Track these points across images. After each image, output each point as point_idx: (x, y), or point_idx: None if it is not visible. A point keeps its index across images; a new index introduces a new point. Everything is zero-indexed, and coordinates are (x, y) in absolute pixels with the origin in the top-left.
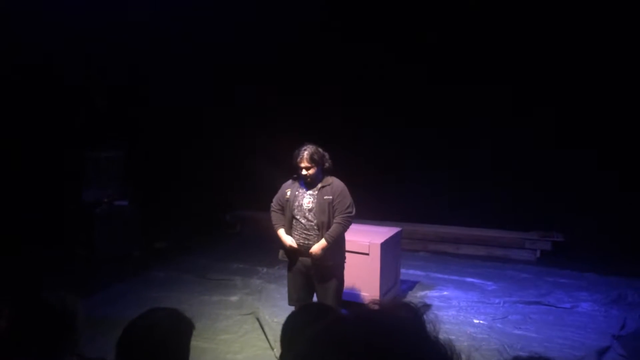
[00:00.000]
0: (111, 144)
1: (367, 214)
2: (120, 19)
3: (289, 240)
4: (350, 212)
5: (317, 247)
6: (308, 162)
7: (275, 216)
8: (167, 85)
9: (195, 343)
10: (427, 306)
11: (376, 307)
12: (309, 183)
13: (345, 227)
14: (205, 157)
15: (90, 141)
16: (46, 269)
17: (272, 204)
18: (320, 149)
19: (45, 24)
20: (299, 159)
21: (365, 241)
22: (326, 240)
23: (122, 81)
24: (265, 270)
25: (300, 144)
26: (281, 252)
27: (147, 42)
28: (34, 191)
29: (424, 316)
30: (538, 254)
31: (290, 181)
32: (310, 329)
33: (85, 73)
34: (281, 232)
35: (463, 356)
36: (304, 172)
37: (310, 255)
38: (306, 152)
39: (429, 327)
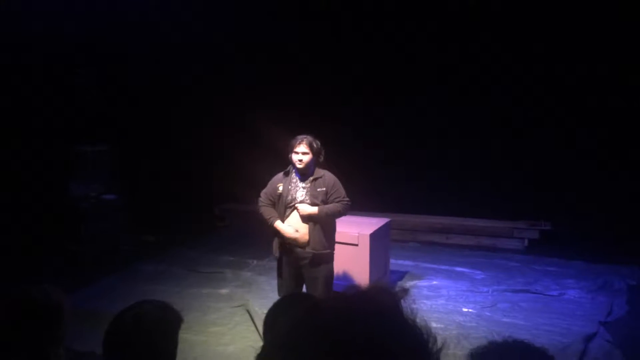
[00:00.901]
0: (98, 138)
1: (357, 205)
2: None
3: (286, 228)
4: (348, 201)
5: (308, 207)
6: (307, 148)
7: (266, 210)
8: (155, 77)
9: (186, 336)
10: (406, 291)
11: (354, 291)
12: (302, 173)
13: (341, 211)
14: (194, 150)
15: (77, 135)
16: (34, 263)
17: (260, 199)
18: (318, 142)
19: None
20: (297, 143)
21: (354, 232)
22: (319, 209)
23: (109, 73)
24: (255, 262)
25: (292, 137)
26: (274, 246)
27: (133, 33)
28: (21, 186)
29: (403, 301)
30: (526, 242)
31: (280, 175)
32: (286, 316)
33: (72, 66)
34: (279, 224)
35: (440, 340)
36: (299, 156)
37: (296, 208)
38: (307, 138)
39: (407, 311)
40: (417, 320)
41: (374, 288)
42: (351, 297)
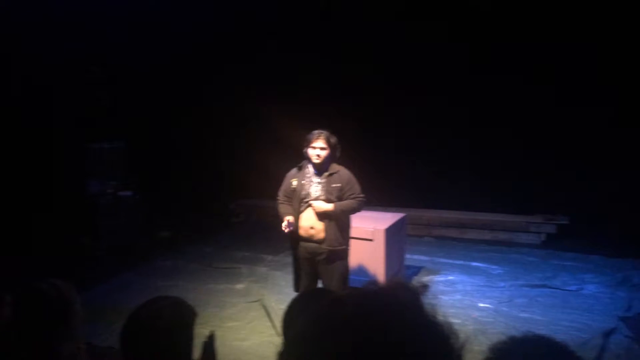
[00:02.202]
0: (115, 135)
1: (372, 200)
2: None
3: (285, 222)
4: (363, 197)
5: (323, 204)
6: (324, 143)
7: (282, 207)
8: (172, 73)
9: (202, 330)
10: (426, 287)
11: (374, 287)
12: (318, 168)
13: (356, 207)
14: (210, 146)
15: (94, 132)
16: (51, 259)
17: (278, 197)
18: (335, 137)
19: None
20: (314, 137)
21: (369, 227)
22: (334, 206)
23: (125, 71)
24: (270, 258)
25: (307, 132)
26: (290, 242)
27: (151, 29)
28: (39, 182)
29: (422, 297)
30: (543, 237)
31: (294, 170)
32: (307, 312)
33: (89, 64)
34: (287, 219)
35: (462, 336)
36: (317, 151)
37: (310, 205)
38: (324, 133)
39: (427, 307)
40: (438, 316)
41: (394, 284)
42: (371, 293)
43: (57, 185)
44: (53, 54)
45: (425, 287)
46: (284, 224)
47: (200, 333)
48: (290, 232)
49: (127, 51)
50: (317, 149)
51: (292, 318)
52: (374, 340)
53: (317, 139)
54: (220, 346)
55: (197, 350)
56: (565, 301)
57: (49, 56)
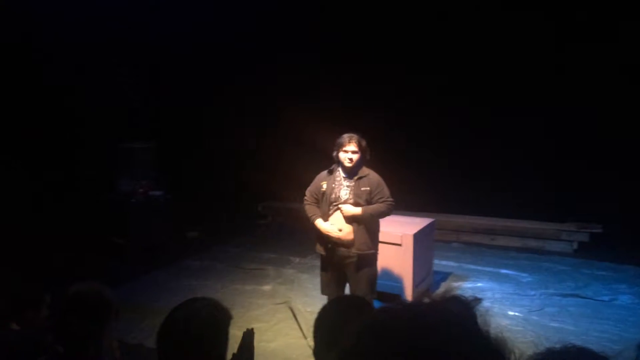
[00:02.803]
0: (146, 135)
1: (400, 205)
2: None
3: (328, 227)
4: (392, 201)
5: (351, 208)
6: (356, 146)
7: (310, 208)
8: (201, 74)
9: (230, 331)
10: (478, 300)
11: (427, 299)
12: (348, 172)
13: (385, 212)
14: (238, 148)
15: (126, 132)
16: (84, 258)
17: (305, 197)
18: (364, 140)
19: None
20: (348, 141)
21: (398, 232)
22: (363, 210)
23: (156, 70)
24: (297, 260)
25: (336, 136)
26: (317, 245)
27: (179, 30)
28: (72, 182)
29: (475, 310)
30: (575, 245)
31: (325, 173)
32: (357, 321)
33: (120, 67)
34: (319, 222)
35: (517, 351)
36: (349, 155)
37: (339, 208)
38: (356, 137)
39: (480, 321)
40: (491, 331)
41: (448, 296)
42: (425, 305)
43: (89, 185)
44: (84, 54)
45: (478, 300)
46: (332, 231)
47: (229, 334)
48: (317, 236)
49: (157, 52)
50: (350, 152)
51: (329, 324)
52: (429, 352)
53: (350, 142)
54: None
55: (231, 351)
56: (597, 311)
57: (81, 56)
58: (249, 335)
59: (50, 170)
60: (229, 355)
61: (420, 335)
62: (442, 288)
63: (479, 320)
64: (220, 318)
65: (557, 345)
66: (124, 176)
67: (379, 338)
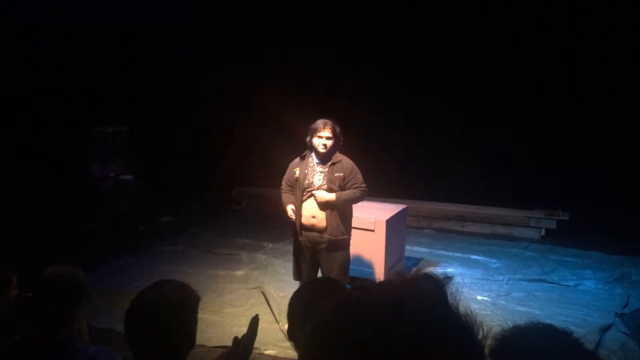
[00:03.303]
0: (117, 119)
1: (373, 191)
2: None
3: (289, 210)
4: (365, 187)
5: (325, 194)
6: (330, 132)
7: (285, 196)
8: (174, 57)
9: (202, 315)
10: (449, 278)
11: (399, 278)
12: (321, 157)
13: (358, 197)
14: (212, 133)
15: (97, 116)
16: (53, 242)
17: (282, 186)
18: (339, 126)
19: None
20: (321, 127)
21: (370, 218)
22: (336, 196)
23: (127, 53)
24: (270, 245)
25: (312, 121)
26: (292, 231)
27: (152, 11)
28: (41, 166)
29: (446, 287)
30: (543, 232)
31: (297, 160)
32: (329, 300)
33: (91, 50)
34: (288, 208)
35: (485, 328)
36: (323, 141)
37: (312, 194)
38: (330, 123)
39: (451, 298)
40: (461, 308)
41: (420, 274)
42: (398, 282)
43: (59, 169)
44: (57, 36)
45: (449, 278)
46: (289, 211)
47: (201, 318)
48: (292, 221)
49: (131, 34)
50: (323, 138)
51: (303, 305)
52: (400, 328)
53: (324, 128)
54: (219, 331)
55: (200, 335)
56: (562, 296)
57: (52, 39)
58: (255, 321)
59: (21, 154)
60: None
61: (393, 312)
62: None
63: (449, 297)
64: (189, 300)
65: (523, 323)
66: (96, 160)
67: (351, 314)
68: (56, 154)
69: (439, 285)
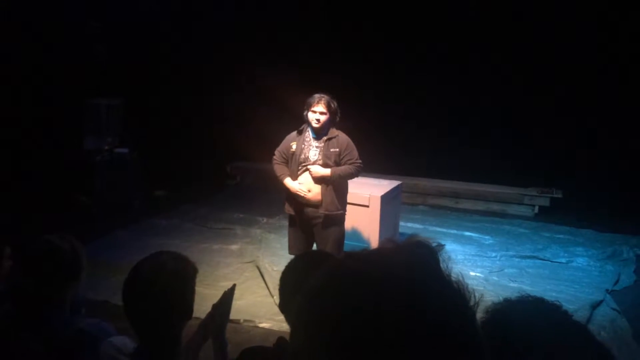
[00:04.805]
0: (112, 91)
1: (368, 166)
2: None
3: (296, 186)
4: (360, 163)
5: (320, 169)
6: (325, 107)
7: (279, 168)
8: (168, 31)
9: (197, 289)
10: (441, 245)
11: (392, 244)
12: (317, 132)
13: (353, 173)
14: (207, 107)
15: (91, 88)
16: (48, 215)
17: (274, 157)
18: (335, 102)
19: None
20: (315, 102)
21: (365, 193)
22: (332, 171)
23: (122, 26)
24: (265, 220)
25: (307, 95)
26: (286, 205)
27: None
28: (35, 139)
29: (438, 254)
30: (536, 209)
31: (294, 133)
32: (320, 268)
33: (84, 21)
34: (288, 181)
35: (477, 294)
36: (317, 115)
37: (308, 169)
38: (325, 98)
39: (443, 265)
40: (453, 275)
41: (412, 241)
42: (389, 250)
43: (53, 142)
44: (49, 7)
45: (441, 245)
46: (292, 185)
47: (196, 292)
48: (286, 195)
49: (126, 5)
50: (317, 113)
51: (295, 277)
52: (391, 295)
53: (318, 103)
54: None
55: (198, 308)
56: (554, 273)
57: (45, 9)
58: (230, 290)
59: (14, 127)
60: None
61: (387, 277)
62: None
63: (442, 264)
64: (186, 270)
65: (514, 296)
66: (90, 133)
67: (342, 280)
68: (49, 127)
69: (431, 251)
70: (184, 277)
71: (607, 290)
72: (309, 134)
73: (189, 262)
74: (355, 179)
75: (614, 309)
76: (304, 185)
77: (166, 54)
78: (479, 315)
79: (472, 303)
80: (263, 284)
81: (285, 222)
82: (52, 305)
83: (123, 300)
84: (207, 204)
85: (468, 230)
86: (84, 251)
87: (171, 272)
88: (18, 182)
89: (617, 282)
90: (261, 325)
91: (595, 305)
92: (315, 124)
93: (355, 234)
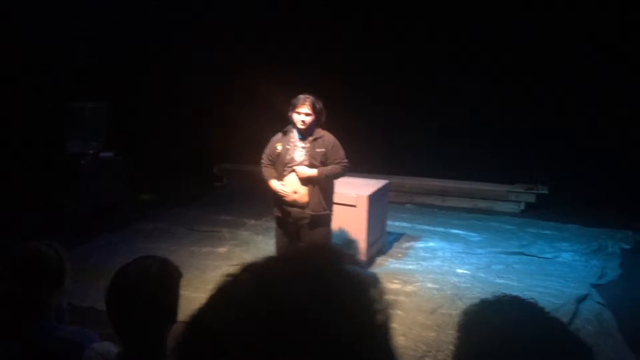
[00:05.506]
0: (96, 94)
1: (355, 166)
2: None
3: (279, 186)
4: (347, 163)
5: (306, 169)
6: (310, 109)
7: (266, 171)
8: (153, 33)
9: (184, 292)
10: (347, 250)
11: (293, 251)
12: (302, 133)
13: (340, 173)
14: (194, 109)
15: (75, 91)
16: (32, 220)
17: (262, 160)
18: (320, 102)
19: None
20: (300, 103)
21: (352, 193)
22: (318, 171)
23: (107, 28)
24: (252, 222)
25: (292, 95)
26: (274, 207)
27: None
28: (19, 143)
29: (340, 256)
30: (522, 206)
31: (279, 135)
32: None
33: (67, 24)
34: (273, 183)
35: (384, 288)
36: (302, 117)
37: (294, 170)
38: (310, 99)
39: (351, 270)
40: (361, 281)
41: (314, 247)
42: (290, 256)
43: (38, 145)
44: (33, 8)
45: (347, 250)
46: (276, 186)
47: (183, 295)
48: (273, 197)
49: (110, 8)
50: (302, 114)
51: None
52: (290, 304)
53: (303, 104)
54: None
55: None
56: (540, 268)
57: (29, 10)
58: None
59: None
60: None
61: (279, 288)
62: (395, 248)
63: (349, 269)
64: (171, 274)
65: (490, 297)
66: (74, 137)
67: (242, 291)
68: (33, 130)
69: (335, 256)
70: (168, 281)
71: (592, 284)
72: (294, 135)
73: (174, 266)
74: (342, 179)
75: (599, 303)
76: (290, 186)
77: (151, 55)
78: (458, 318)
79: (376, 296)
80: None
81: (273, 224)
82: (35, 313)
83: (106, 306)
84: (194, 207)
85: (455, 228)
86: (68, 258)
87: (155, 276)
88: (1, 186)
89: (602, 276)
90: None
91: (580, 300)
92: (300, 126)
93: (343, 234)
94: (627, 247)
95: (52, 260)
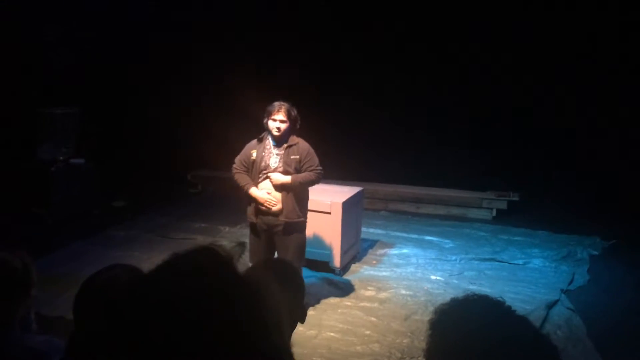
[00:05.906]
0: (67, 100)
1: (329, 173)
2: None
3: (265, 196)
4: (321, 170)
5: (280, 176)
6: (285, 116)
7: (241, 177)
8: (125, 37)
9: None
10: (240, 246)
11: (179, 252)
12: (277, 140)
13: (314, 180)
14: (167, 115)
15: (46, 97)
16: (1, 228)
17: (234, 166)
18: (295, 110)
19: None
20: (275, 110)
21: (326, 200)
22: (292, 178)
23: (78, 33)
24: (227, 229)
25: (268, 103)
26: (248, 213)
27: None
28: None
29: (229, 257)
30: (494, 213)
31: (254, 142)
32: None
33: (40, 27)
34: (253, 190)
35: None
36: (277, 124)
37: (268, 177)
38: (285, 106)
39: (239, 268)
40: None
41: (198, 248)
42: (174, 258)
43: (7, 152)
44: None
45: (240, 245)
46: (258, 193)
47: None
48: (248, 203)
49: (83, 13)
50: (277, 121)
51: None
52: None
53: (278, 111)
54: None
55: None
56: (512, 274)
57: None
58: None
59: None
60: None
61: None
62: (370, 255)
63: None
64: None
65: (460, 295)
66: (45, 143)
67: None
68: (2, 135)
69: (217, 256)
70: None
71: (562, 290)
72: (269, 142)
73: (142, 273)
74: (317, 186)
75: (568, 308)
76: (266, 191)
77: (124, 60)
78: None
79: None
80: None
81: (247, 231)
82: (0, 324)
83: (74, 315)
84: (167, 214)
85: (429, 235)
86: (35, 267)
87: (124, 285)
88: None
89: (571, 281)
90: None
91: (551, 305)
92: (275, 132)
93: (318, 241)
94: (596, 253)
95: (17, 270)
